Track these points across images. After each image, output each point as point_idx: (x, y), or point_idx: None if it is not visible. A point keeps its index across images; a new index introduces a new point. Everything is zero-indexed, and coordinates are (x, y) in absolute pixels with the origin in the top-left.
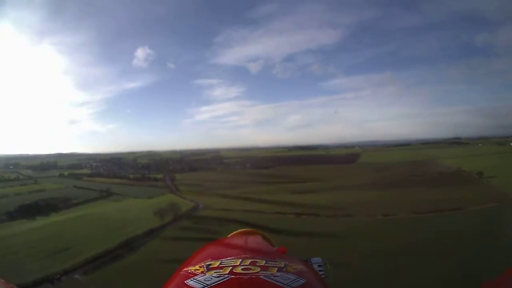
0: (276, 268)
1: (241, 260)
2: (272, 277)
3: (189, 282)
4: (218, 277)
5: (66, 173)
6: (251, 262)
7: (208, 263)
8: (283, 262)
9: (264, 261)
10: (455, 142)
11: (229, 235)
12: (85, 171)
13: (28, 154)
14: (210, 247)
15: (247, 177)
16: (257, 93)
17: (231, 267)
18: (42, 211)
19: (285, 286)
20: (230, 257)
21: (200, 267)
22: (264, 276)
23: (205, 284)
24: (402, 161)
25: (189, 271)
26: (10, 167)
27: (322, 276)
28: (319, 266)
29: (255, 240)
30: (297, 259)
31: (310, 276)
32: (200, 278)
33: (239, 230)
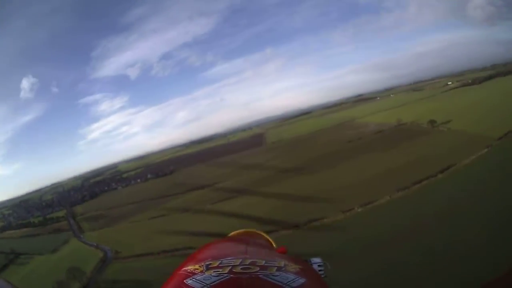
0: (276, 268)
1: (241, 259)
2: (272, 276)
3: (189, 281)
4: (218, 276)
5: None
6: (251, 262)
7: (207, 262)
8: (283, 262)
9: (264, 261)
10: (360, 99)
11: (229, 235)
12: None
13: None
14: (209, 247)
15: (152, 192)
16: (141, 99)
17: (230, 267)
18: None
19: (284, 285)
20: (230, 256)
21: (199, 266)
22: (264, 275)
23: (204, 284)
24: (318, 129)
25: (189, 270)
26: None
27: (322, 276)
28: (319, 266)
29: (255, 240)
30: (297, 259)
31: (309, 275)
32: (199, 277)
33: (239, 230)
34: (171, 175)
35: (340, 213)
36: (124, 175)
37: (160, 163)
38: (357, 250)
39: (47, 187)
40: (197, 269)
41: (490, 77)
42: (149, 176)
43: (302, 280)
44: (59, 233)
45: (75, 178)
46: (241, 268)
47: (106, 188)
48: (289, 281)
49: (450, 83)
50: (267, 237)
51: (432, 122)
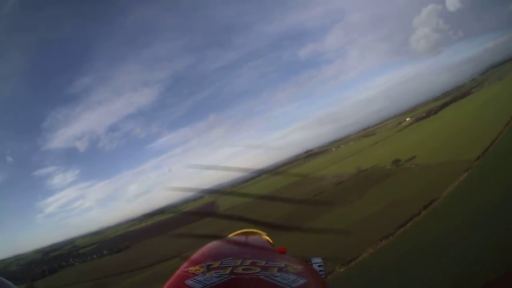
0: (276, 268)
1: (241, 260)
2: (272, 277)
3: (189, 282)
4: (218, 277)
5: None
6: (251, 262)
7: (208, 263)
8: (284, 262)
9: (265, 261)
10: (309, 154)
11: (229, 235)
12: None
13: None
14: (210, 247)
15: (108, 268)
16: (91, 172)
17: (231, 267)
18: None
19: (285, 286)
20: (231, 257)
21: (200, 267)
22: (264, 276)
23: (205, 284)
24: (272, 191)
25: (189, 271)
26: None
27: (322, 276)
28: (319, 266)
29: (255, 240)
30: (297, 259)
31: (310, 276)
32: (200, 278)
33: (239, 230)
34: (126, 250)
35: None
36: (81, 251)
37: (114, 238)
38: None
39: (11, 257)
40: (198, 270)
41: (445, 105)
42: (104, 252)
43: (302, 281)
44: None
45: (36, 251)
46: (242, 269)
47: (64, 263)
48: (289, 282)
49: (409, 119)
50: (268, 237)
51: (396, 161)
